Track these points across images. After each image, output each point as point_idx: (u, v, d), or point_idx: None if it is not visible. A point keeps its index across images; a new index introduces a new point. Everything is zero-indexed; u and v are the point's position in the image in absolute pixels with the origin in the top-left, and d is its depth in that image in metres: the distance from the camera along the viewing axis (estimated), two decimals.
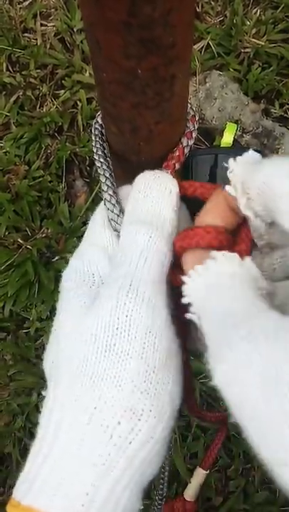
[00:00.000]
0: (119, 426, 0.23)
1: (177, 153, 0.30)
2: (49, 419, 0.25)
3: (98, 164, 0.31)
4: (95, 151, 0.32)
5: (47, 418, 0.25)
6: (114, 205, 0.30)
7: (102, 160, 0.32)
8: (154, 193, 0.28)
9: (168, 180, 0.29)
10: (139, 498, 0.26)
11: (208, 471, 0.48)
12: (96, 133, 0.32)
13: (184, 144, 0.30)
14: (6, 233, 1.03)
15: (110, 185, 0.31)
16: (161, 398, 0.25)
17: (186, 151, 0.31)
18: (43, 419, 0.25)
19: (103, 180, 0.31)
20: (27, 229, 1.02)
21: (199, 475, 0.50)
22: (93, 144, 0.32)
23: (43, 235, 1.02)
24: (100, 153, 0.32)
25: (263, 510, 0.87)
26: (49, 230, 1.02)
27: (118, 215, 0.30)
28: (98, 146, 0.32)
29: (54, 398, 0.25)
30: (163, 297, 0.27)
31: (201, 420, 0.37)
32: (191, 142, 0.31)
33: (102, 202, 0.31)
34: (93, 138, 0.32)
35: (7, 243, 1.02)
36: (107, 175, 0.31)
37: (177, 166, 0.30)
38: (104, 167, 0.31)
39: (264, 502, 0.88)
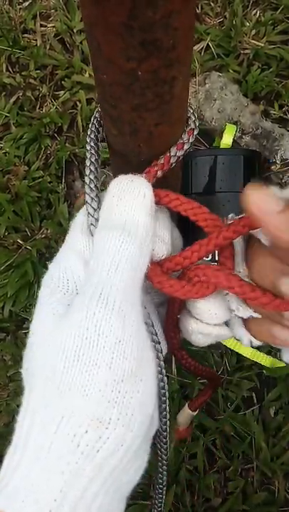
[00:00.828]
0: (86, 434, 0.24)
1: (162, 162, 0.30)
2: (21, 426, 0.25)
3: (87, 163, 0.31)
4: (88, 148, 0.31)
5: (20, 424, 0.25)
6: (94, 209, 0.30)
7: (92, 154, 0.31)
8: (128, 197, 0.28)
9: (142, 184, 0.28)
10: (119, 504, 0.26)
11: (195, 413, 0.48)
12: (93, 129, 0.32)
13: (172, 153, 0.30)
14: (6, 234, 1.03)
15: (93, 188, 0.30)
16: (130, 407, 0.25)
17: (173, 160, 0.30)
18: (17, 425, 0.26)
19: (87, 182, 0.31)
20: (26, 229, 1.03)
21: (185, 413, 0.50)
22: (87, 141, 0.31)
23: (43, 236, 1.02)
24: (92, 143, 0.31)
25: (262, 511, 0.87)
26: (49, 231, 1.02)
27: (97, 220, 0.29)
28: (92, 144, 0.31)
29: (27, 405, 0.26)
30: (136, 304, 0.26)
31: (187, 370, 0.37)
32: (179, 153, 0.30)
33: (84, 206, 0.31)
34: (88, 133, 0.32)
35: (7, 244, 1.02)
36: (92, 174, 0.31)
37: (159, 173, 0.30)
38: (93, 159, 0.31)
39: (263, 503, 0.88)
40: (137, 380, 0.25)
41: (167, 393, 0.30)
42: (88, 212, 0.30)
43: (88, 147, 0.31)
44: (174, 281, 0.29)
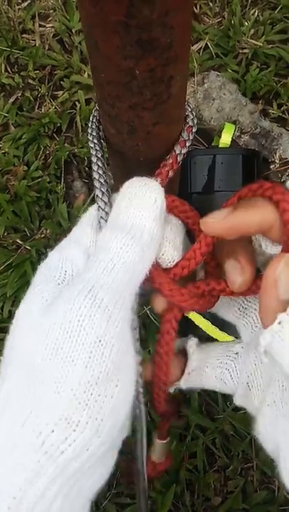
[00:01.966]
0: (52, 434, 0.23)
1: (170, 161, 0.30)
2: None
3: (93, 159, 0.31)
4: (92, 146, 0.31)
5: None
6: (105, 202, 0.30)
7: (97, 151, 0.31)
8: (137, 201, 0.28)
9: (154, 189, 0.28)
10: (82, 509, 0.25)
11: (166, 441, 0.47)
12: (93, 127, 0.31)
13: (177, 151, 0.30)
14: (5, 234, 1.03)
15: (103, 182, 0.30)
16: (101, 412, 0.24)
17: (180, 158, 0.30)
18: None
19: (96, 177, 0.31)
20: (26, 229, 1.03)
21: (158, 446, 0.48)
22: (90, 138, 0.31)
23: (42, 236, 1.02)
24: (95, 140, 0.31)
25: (262, 510, 0.87)
26: (48, 231, 1.02)
27: (107, 213, 0.29)
28: (96, 141, 0.31)
29: None
30: (125, 307, 0.26)
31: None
32: (184, 151, 0.30)
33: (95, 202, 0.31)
34: (89, 131, 0.32)
35: (6, 244, 1.02)
36: (101, 169, 0.31)
37: (170, 173, 0.30)
38: (99, 155, 0.31)
39: (263, 502, 0.88)
40: (112, 385, 0.24)
41: (142, 406, 0.29)
42: (99, 206, 0.30)
43: (92, 144, 0.31)
44: (185, 291, 0.29)
